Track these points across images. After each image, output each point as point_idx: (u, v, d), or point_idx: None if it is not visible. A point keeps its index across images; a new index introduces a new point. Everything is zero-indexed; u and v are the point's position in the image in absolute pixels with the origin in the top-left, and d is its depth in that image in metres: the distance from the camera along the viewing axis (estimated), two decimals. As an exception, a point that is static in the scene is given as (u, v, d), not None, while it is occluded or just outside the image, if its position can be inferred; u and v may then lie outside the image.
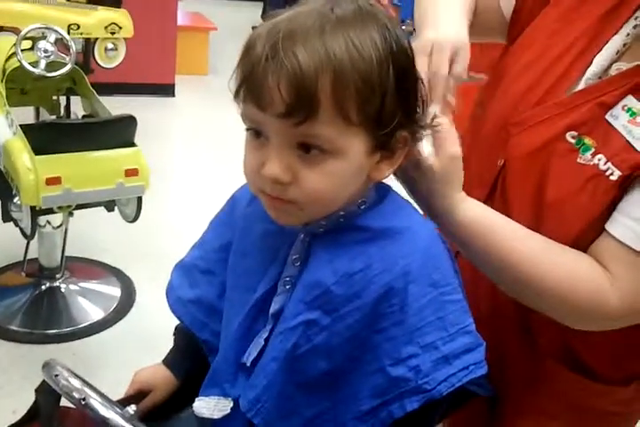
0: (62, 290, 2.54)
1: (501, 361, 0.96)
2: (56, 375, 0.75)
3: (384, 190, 0.81)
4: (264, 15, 8.42)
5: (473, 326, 0.78)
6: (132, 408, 0.75)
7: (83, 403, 0.72)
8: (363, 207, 0.78)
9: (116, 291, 2.61)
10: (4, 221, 2.30)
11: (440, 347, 0.75)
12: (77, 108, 2.65)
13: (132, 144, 2.16)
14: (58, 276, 2.52)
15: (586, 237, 0.86)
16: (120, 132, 2.14)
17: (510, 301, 0.92)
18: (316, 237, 0.79)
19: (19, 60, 2.13)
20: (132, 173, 2.11)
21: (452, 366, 0.75)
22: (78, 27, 3.30)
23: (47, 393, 0.77)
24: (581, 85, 0.91)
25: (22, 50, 2.16)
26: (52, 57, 2.20)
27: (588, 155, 0.86)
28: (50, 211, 2.13)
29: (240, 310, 0.83)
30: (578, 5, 0.94)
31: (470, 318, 0.78)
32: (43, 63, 2.18)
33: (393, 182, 0.85)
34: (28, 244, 2.40)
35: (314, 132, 0.67)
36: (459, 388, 0.76)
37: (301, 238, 0.80)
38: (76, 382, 0.74)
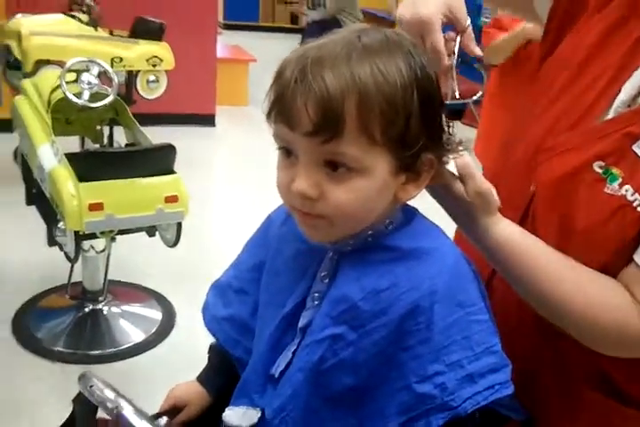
0: (105, 312, 2.61)
1: (535, 388, 0.96)
2: (91, 386, 0.78)
3: (411, 212, 0.84)
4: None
5: (499, 347, 0.79)
6: (163, 420, 0.78)
7: (115, 413, 0.76)
8: (390, 227, 0.81)
9: (156, 314, 2.67)
10: (50, 246, 2.38)
11: (465, 365, 0.76)
12: (120, 138, 2.76)
13: (172, 172, 2.24)
14: (100, 299, 2.59)
15: (614, 265, 0.85)
16: (160, 160, 2.21)
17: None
18: (344, 256, 0.82)
19: (63, 92, 2.22)
20: (171, 199, 2.18)
21: (478, 385, 0.76)
22: (121, 60, 3.44)
23: (83, 404, 0.81)
24: (612, 114, 0.91)
25: (67, 82, 2.27)
26: (94, 88, 2.30)
27: (616, 185, 0.85)
28: (93, 236, 2.21)
29: (271, 324, 0.86)
30: (613, 28, 0.93)
31: (497, 338, 0.79)
32: (86, 94, 2.28)
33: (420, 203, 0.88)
34: (72, 267, 2.47)
35: (340, 151, 0.71)
36: (488, 409, 0.77)
37: (330, 256, 0.83)
38: (109, 393, 0.78)
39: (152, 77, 3.64)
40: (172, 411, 1.00)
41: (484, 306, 0.80)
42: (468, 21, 0.96)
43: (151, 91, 3.67)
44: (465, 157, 0.84)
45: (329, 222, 0.75)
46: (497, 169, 1.09)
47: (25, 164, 2.50)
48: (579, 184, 0.88)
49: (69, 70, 2.31)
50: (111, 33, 3.62)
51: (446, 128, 0.81)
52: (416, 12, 0.89)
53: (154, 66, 3.59)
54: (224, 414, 0.87)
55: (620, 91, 0.89)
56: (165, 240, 2.40)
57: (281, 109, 0.71)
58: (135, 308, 2.71)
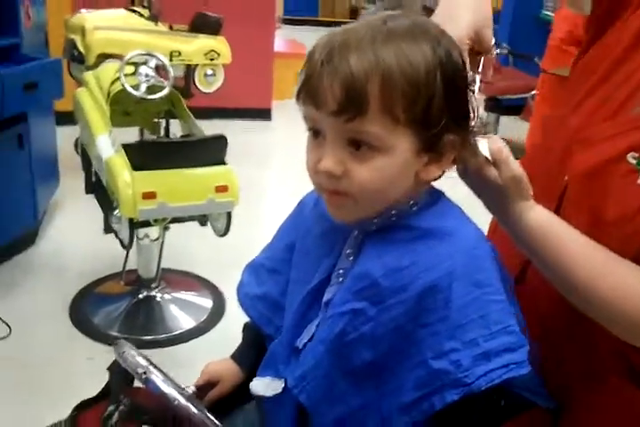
0: (158, 299, 2.69)
1: (560, 375, 0.97)
2: (123, 352, 0.84)
3: (436, 194, 0.86)
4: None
5: (516, 328, 0.80)
6: (191, 388, 0.82)
7: (144, 378, 0.81)
8: (414, 208, 0.83)
9: (207, 302, 2.74)
10: (106, 233, 2.47)
11: (481, 344, 0.78)
12: (177, 130, 2.83)
13: (223, 162, 2.29)
14: (154, 286, 2.68)
15: None
16: (212, 151, 2.27)
17: (569, 313, 0.92)
18: (369, 235, 0.85)
19: (121, 84, 2.30)
20: (222, 189, 2.23)
21: (492, 363, 0.78)
22: (179, 53, 3.52)
23: (116, 370, 0.86)
24: None
25: (126, 74, 2.34)
26: (151, 81, 2.37)
27: None
28: (147, 224, 2.29)
29: (297, 299, 0.90)
30: None
31: (514, 319, 0.81)
32: (143, 87, 2.35)
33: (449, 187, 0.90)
34: (127, 255, 2.56)
35: (363, 129, 0.74)
36: (514, 394, 0.79)
37: (355, 235, 0.87)
38: (140, 359, 0.82)
39: (210, 71, 3.71)
40: (206, 386, 1.06)
41: (502, 287, 0.82)
42: (492, 42, 0.97)
43: (209, 84, 3.75)
44: (498, 142, 0.85)
45: (354, 201, 0.78)
46: (535, 158, 1.10)
47: (85, 154, 2.60)
48: (611, 175, 0.89)
49: (128, 63, 2.38)
50: (171, 27, 3.71)
51: (473, 111, 0.83)
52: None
53: (211, 60, 3.67)
54: (251, 384, 0.92)
55: None
56: (216, 229, 2.46)
57: (309, 90, 0.75)
58: (187, 295, 2.78)
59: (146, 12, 3.58)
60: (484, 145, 0.86)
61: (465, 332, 0.78)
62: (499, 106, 4.81)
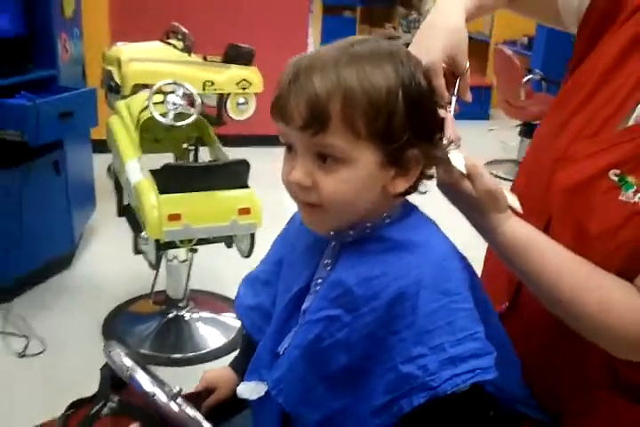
0: (187, 319, 2.78)
1: (555, 387, 1.00)
2: (110, 352, 0.90)
3: (410, 208, 0.92)
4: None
5: (482, 335, 0.84)
6: (176, 388, 0.88)
7: (128, 375, 0.87)
8: (387, 221, 0.89)
9: (234, 321, 2.79)
10: (135, 254, 2.57)
11: (447, 349, 0.82)
12: (206, 156, 2.93)
13: (246, 186, 2.37)
14: (181, 305, 2.76)
15: (629, 269, 0.87)
16: (234, 175, 2.35)
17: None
18: (345, 246, 0.91)
19: (150, 112, 2.41)
20: (244, 211, 2.31)
21: (458, 368, 0.81)
22: (212, 83, 3.64)
23: (106, 370, 0.93)
24: (631, 122, 0.93)
25: (155, 103, 2.45)
26: (179, 109, 2.47)
27: (630, 193, 0.88)
28: (173, 245, 2.37)
29: (280, 307, 0.96)
30: (636, 38, 0.96)
31: (480, 326, 0.84)
32: (171, 114, 2.45)
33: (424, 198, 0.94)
34: (156, 275, 2.65)
35: (327, 143, 0.80)
36: (507, 406, 0.83)
37: (332, 246, 0.93)
38: (125, 359, 0.89)
39: (242, 100, 3.82)
40: (204, 393, 1.12)
41: (470, 296, 0.85)
42: (467, 65, 1.02)
43: (240, 112, 3.85)
44: (473, 158, 0.90)
45: (324, 211, 0.84)
46: (527, 176, 1.14)
47: (116, 178, 2.71)
48: (594, 191, 0.91)
49: (157, 92, 2.49)
50: (205, 58, 3.84)
51: (444, 130, 0.88)
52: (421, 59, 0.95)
53: (243, 89, 3.78)
54: (238, 389, 0.97)
55: None
56: (240, 251, 2.54)
57: (279, 108, 0.82)
58: (215, 315, 2.85)
59: (180, 44, 3.71)
60: (459, 160, 0.91)
61: (432, 338, 0.82)
62: (531, 131, 4.83)
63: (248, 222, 2.33)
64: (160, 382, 0.88)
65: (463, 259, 0.90)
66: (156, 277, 2.68)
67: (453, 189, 0.92)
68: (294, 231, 1.02)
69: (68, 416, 0.95)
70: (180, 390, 0.86)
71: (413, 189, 0.89)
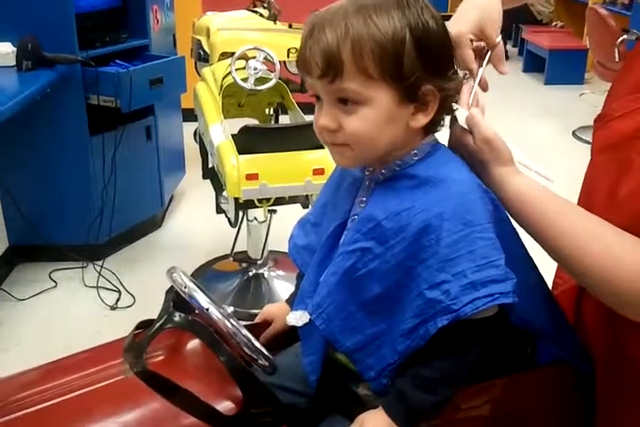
0: (265, 276, 2.91)
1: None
2: (172, 273, 1.01)
3: (438, 146, 0.98)
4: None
5: (502, 262, 0.89)
6: (230, 309, 0.98)
7: (187, 293, 0.98)
8: (415, 158, 0.95)
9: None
10: (217, 213, 2.71)
11: (468, 275, 0.88)
12: (287, 120, 3.03)
13: (320, 147, 2.45)
14: (259, 263, 2.90)
15: None
16: (309, 137, 2.40)
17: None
18: (378, 184, 0.98)
19: (232, 77, 2.52)
20: (318, 172, 2.39)
21: (478, 292, 0.87)
22: (296, 50, 3.70)
23: (170, 292, 1.04)
24: None
25: (237, 69, 2.56)
26: (259, 73, 2.56)
27: None
28: (252, 204, 2.48)
29: (322, 242, 1.05)
30: None
31: (501, 254, 0.90)
32: (252, 79, 2.56)
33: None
34: (237, 234, 2.78)
35: (344, 87, 0.88)
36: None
37: (366, 184, 1.00)
38: (186, 280, 1.00)
39: (325, 67, 3.88)
40: (262, 325, 1.22)
41: (491, 226, 0.90)
42: (499, 39, 1.06)
43: (323, 79, 3.91)
44: (472, 110, 0.96)
45: (350, 148, 0.92)
46: None
47: (202, 142, 2.85)
48: (628, 151, 0.92)
49: (239, 58, 2.60)
50: (290, 26, 3.91)
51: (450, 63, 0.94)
52: (449, 29, 0.98)
53: (327, 56, 3.83)
54: (287, 317, 1.07)
55: None
56: (316, 212, 2.62)
57: (301, 62, 0.91)
58: (291, 273, 2.96)
59: (266, 13, 3.79)
60: (462, 116, 0.97)
61: (454, 265, 0.88)
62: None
63: (322, 182, 2.39)
64: (217, 304, 0.98)
65: (487, 192, 0.95)
66: (236, 237, 2.81)
67: (461, 147, 0.98)
68: (337, 175, 1.10)
69: (136, 334, 1.07)
70: (233, 311, 0.96)
71: (437, 124, 0.96)
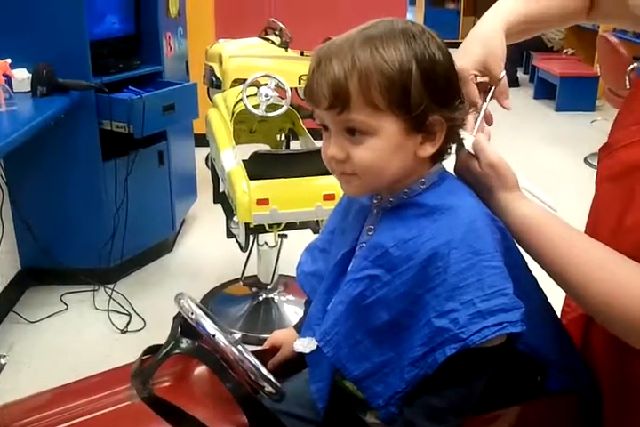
0: (276, 301, 2.91)
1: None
2: (180, 300, 1.02)
3: (445, 175, 0.98)
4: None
5: (511, 291, 0.89)
6: (237, 335, 0.98)
7: (194, 320, 0.98)
8: (423, 187, 0.96)
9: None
10: (228, 238, 2.72)
11: (477, 304, 0.88)
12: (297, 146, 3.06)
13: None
14: (270, 287, 2.90)
15: None
16: (320, 162, 2.41)
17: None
18: (385, 212, 0.99)
19: (244, 104, 2.55)
20: (329, 197, 2.39)
21: (487, 321, 0.87)
22: (308, 77, 3.74)
23: (177, 317, 1.05)
24: None
25: (248, 95, 2.59)
26: (270, 100, 2.59)
27: None
28: (262, 229, 2.49)
29: (329, 269, 1.05)
30: None
31: (509, 283, 0.90)
32: (263, 106, 2.58)
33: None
34: (247, 258, 2.79)
35: (351, 118, 0.89)
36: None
37: (374, 212, 1.01)
38: (193, 306, 1.00)
39: (336, 93, 3.91)
40: (270, 351, 1.22)
41: (499, 255, 0.90)
42: (502, 74, 1.06)
43: (334, 106, 3.94)
44: (478, 136, 0.97)
45: (358, 178, 0.93)
46: None
47: (213, 167, 2.88)
48: (636, 181, 0.91)
49: (251, 85, 2.63)
50: (302, 53, 3.96)
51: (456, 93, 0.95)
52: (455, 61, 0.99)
53: (339, 83, 3.87)
54: (294, 344, 1.07)
55: None
56: (326, 237, 2.63)
57: (308, 93, 0.92)
58: (302, 298, 2.96)
59: (277, 40, 3.85)
60: (468, 141, 0.99)
61: (462, 294, 0.88)
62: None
63: (332, 208, 2.41)
64: (224, 330, 0.99)
65: (495, 220, 0.95)
66: (247, 262, 2.82)
67: (467, 173, 0.99)
68: (346, 201, 1.11)
69: (144, 360, 1.07)
70: (240, 337, 0.97)
71: (445, 152, 0.97)
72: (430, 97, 0.89)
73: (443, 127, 0.92)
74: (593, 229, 1.02)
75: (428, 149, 0.93)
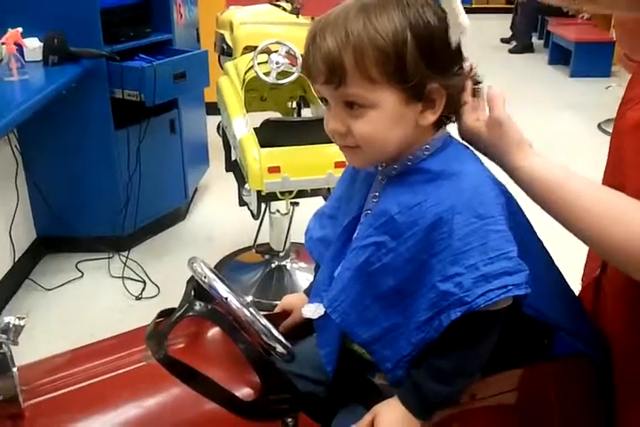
0: (288, 268, 2.94)
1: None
2: (193, 264, 1.04)
3: (449, 141, 0.99)
4: (512, 27, 8.44)
5: (515, 254, 0.90)
6: (249, 298, 1.00)
7: (207, 283, 1.00)
8: (427, 153, 0.97)
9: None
10: (240, 205, 2.73)
11: (481, 268, 0.89)
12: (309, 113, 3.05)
13: (343, 139, 2.46)
14: (281, 255, 2.93)
15: None
16: None
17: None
18: (390, 179, 1.00)
19: (254, 71, 2.54)
20: (340, 165, 2.38)
21: (491, 284, 0.88)
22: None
23: (190, 281, 1.07)
24: None
25: (259, 63, 2.58)
26: (281, 67, 2.58)
27: None
28: (274, 197, 2.50)
29: (336, 236, 1.07)
30: None
31: (513, 246, 0.90)
32: (274, 73, 2.58)
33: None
34: (259, 226, 2.81)
35: (349, 92, 0.89)
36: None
37: (379, 180, 1.02)
38: (206, 270, 1.03)
39: (348, 60, 3.88)
40: (282, 315, 1.24)
41: (504, 219, 0.91)
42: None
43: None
44: (495, 90, 0.96)
45: (361, 150, 0.93)
46: None
47: (225, 135, 2.88)
48: None
49: (262, 52, 2.62)
50: (312, 19, 3.92)
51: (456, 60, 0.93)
52: None
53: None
54: (302, 310, 1.09)
55: None
56: (338, 204, 2.64)
57: (306, 68, 0.92)
58: (313, 265, 2.99)
59: (288, 6, 3.80)
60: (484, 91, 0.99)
61: (467, 258, 0.89)
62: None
63: (343, 175, 2.42)
64: (236, 293, 1.00)
65: (499, 185, 0.96)
66: (259, 229, 2.84)
67: (475, 138, 0.99)
68: (352, 168, 1.12)
69: (158, 322, 1.10)
70: (252, 300, 0.99)
71: (446, 118, 0.97)
72: (427, 66, 0.89)
73: (442, 95, 0.92)
74: (613, 179, 1.01)
75: (430, 117, 0.93)
